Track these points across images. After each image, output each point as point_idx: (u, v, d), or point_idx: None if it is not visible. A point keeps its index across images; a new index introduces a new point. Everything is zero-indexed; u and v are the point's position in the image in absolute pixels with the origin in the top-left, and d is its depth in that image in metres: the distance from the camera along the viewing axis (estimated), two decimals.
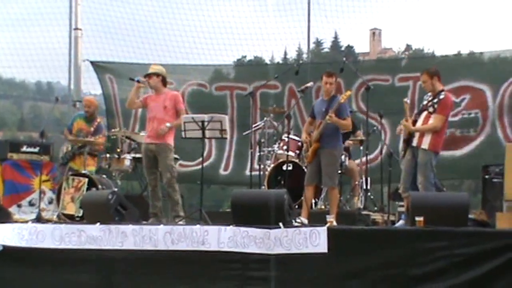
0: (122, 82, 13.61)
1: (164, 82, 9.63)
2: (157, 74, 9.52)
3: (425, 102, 8.72)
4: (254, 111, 12.38)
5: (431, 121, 8.54)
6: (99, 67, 13.74)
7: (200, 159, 9.61)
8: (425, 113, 8.61)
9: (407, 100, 9.10)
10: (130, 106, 10.12)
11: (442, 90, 8.68)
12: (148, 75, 9.54)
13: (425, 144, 8.51)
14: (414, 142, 8.59)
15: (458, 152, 11.77)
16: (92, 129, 10.97)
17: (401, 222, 8.67)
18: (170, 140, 9.43)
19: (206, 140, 9.94)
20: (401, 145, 9.04)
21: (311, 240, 7.14)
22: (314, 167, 8.98)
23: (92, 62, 13.70)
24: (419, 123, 8.63)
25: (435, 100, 8.55)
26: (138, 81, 9.56)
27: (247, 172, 12.89)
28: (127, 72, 13.72)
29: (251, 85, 13.06)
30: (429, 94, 8.76)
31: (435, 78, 8.68)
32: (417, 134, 8.59)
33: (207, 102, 13.22)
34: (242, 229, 7.41)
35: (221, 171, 13.26)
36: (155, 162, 9.44)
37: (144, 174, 9.74)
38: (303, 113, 12.63)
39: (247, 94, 10.91)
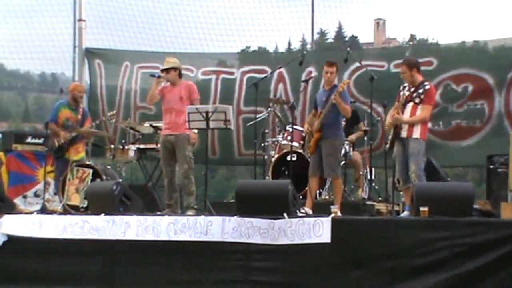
0: (110, 68, 13.60)
1: (180, 74, 9.68)
2: (175, 68, 9.54)
3: (406, 93, 8.71)
4: (238, 99, 12.47)
5: (419, 112, 8.58)
6: (90, 53, 13.70)
7: None
8: (410, 104, 8.62)
9: (406, 93, 9.04)
10: (151, 101, 10.00)
11: (424, 81, 8.70)
12: (166, 70, 9.54)
13: (416, 134, 8.55)
14: (403, 134, 8.61)
15: (464, 143, 11.74)
16: (79, 116, 10.87)
17: (405, 213, 8.68)
18: (189, 131, 9.36)
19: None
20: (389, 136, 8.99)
21: (314, 230, 7.15)
22: (317, 157, 8.97)
23: (86, 49, 13.71)
24: (406, 115, 8.63)
25: (420, 91, 8.57)
26: (158, 77, 9.56)
27: (237, 157, 12.95)
28: (116, 58, 13.73)
29: (240, 70, 13.07)
30: (405, 85, 8.78)
31: (414, 70, 8.70)
32: (405, 126, 8.62)
33: None
34: (247, 219, 7.42)
35: (210, 155, 13.08)
36: (173, 153, 9.43)
37: (161, 165, 9.70)
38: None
39: (251, 85, 10.84)
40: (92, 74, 13.69)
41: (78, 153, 10.73)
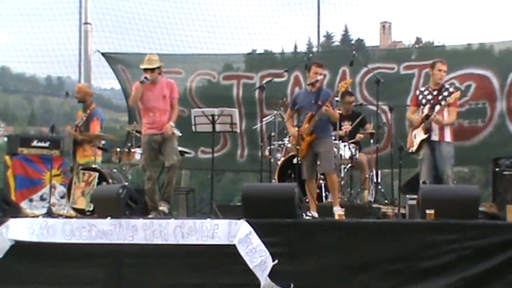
0: (134, 72, 13.58)
1: (160, 72, 9.34)
2: (159, 67, 9.24)
3: (429, 97, 8.72)
4: (259, 103, 12.51)
5: (446, 114, 8.66)
6: (110, 58, 13.67)
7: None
8: (437, 107, 8.67)
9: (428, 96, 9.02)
10: (135, 103, 9.59)
11: (445, 84, 8.74)
12: (151, 70, 9.16)
13: (447, 137, 8.70)
14: (435, 137, 8.65)
15: (467, 143, 11.75)
16: (84, 117, 10.83)
17: None
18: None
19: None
20: (414, 139, 8.98)
21: None
22: (310, 159, 8.96)
23: (103, 54, 13.66)
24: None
25: (445, 94, 8.61)
26: (142, 82, 9.15)
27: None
28: (137, 62, 13.73)
29: (258, 74, 13.07)
30: (426, 87, 8.79)
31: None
32: (436, 129, 8.66)
33: (214, 92, 13.20)
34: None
35: (238, 158, 13.20)
36: (158, 153, 9.32)
37: (144, 167, 9.40)
38: None
39: (256, 88, 10.85)
40: (121, 79, 13.66)
41: (85, 156, 10.67)
